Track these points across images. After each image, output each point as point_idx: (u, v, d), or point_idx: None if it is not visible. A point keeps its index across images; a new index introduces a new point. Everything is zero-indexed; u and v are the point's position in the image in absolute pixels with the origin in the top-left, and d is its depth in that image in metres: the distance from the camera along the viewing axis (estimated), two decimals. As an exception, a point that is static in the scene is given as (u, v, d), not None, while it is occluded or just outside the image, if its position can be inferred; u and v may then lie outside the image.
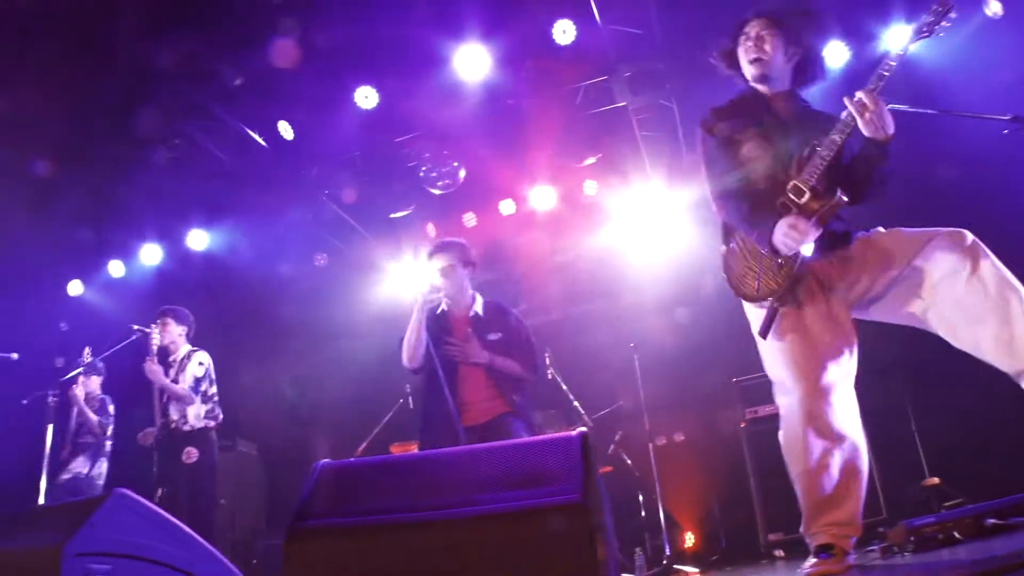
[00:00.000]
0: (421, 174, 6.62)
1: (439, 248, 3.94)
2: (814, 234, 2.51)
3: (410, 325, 3.71)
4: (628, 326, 6.71)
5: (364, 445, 6.38)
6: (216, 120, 6.28)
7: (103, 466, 5.81)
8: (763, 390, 4.91)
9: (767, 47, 2.76)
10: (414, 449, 6.07)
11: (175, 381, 5.15)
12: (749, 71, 2.82)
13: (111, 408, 6.02)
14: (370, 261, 7.78)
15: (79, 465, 5.76)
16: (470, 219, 7.50)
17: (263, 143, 6.48)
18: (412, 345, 3.68)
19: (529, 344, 3.88)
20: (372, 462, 2.33)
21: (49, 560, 2.35)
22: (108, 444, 5.84)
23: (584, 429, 2.34)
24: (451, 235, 7.22)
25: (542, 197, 7.21)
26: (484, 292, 4.23)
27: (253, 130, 6.42)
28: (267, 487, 7.02)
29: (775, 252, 2.56)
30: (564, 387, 5.69)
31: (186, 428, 5.09)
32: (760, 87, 2.82)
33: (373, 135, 6.52)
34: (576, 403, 5.67)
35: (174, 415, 5.10)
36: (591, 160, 6.73)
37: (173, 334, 5.28)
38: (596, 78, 6.21)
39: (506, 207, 7.40)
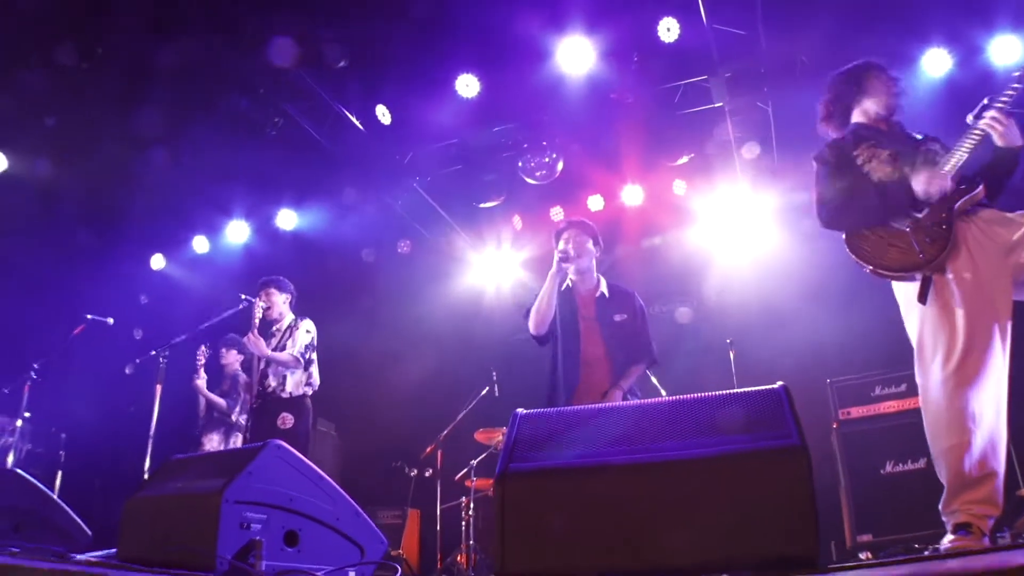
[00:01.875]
0: (519, 164, 6.59)
1: (572, 224, 3.94)
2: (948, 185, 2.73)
3: (542, 291, 3.70)
4: (720, 324, 6.66)
5: (446, 431, 6.38)
6: (317, 101, 6.32)
7: (238, 440, 5.80)
8: (856, 391, 5.06)
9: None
10: (500, 437, 6.09)
11: (282, 348, 5.17)
12: (888, 101, 3.05)
13: (243, 379, 6.12)
14: (453, 250, 7.85)
15: (213, 443, 5.82)
16: (557, 213, 7.49)
17: (360, 126, 6.54)
18: (542, 311, 3.67)
19: (647, 331, 3.87)
20: (570, 411, 2.32)
21: (210, 505, 2.42)
22: (242, 418, 5.85)
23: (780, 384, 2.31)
24: (537, 227, 7.49)
25: (631, 194, 7.20)
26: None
27: (352, 113, 6.46)
28: (340, 471, 7.00)
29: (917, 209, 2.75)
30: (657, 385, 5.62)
31: (284, 395, 5.07)
32: (881, 115, 3.05)
33: (471, 123, 6.56)
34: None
35: (272, 382, 5.10)
36: (684, 159, 6.69)
37: (278, 303, 5.29)
38: (696, 77, 6.21)
39: (594, 203, 7.38)
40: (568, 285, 3.83)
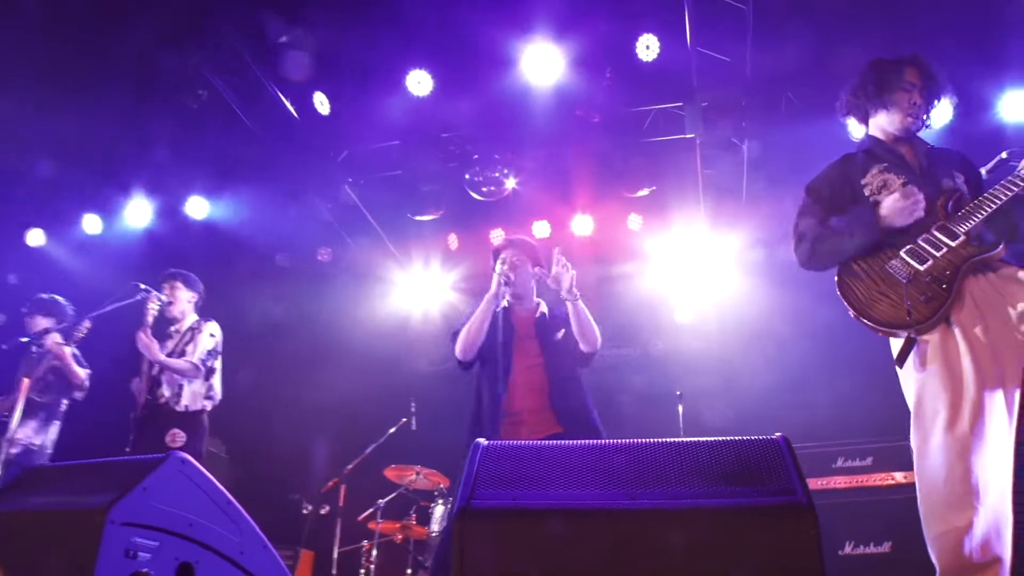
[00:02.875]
0: (467, 177, 6.54)
1: (512, 244, 3.88)
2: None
3: (476, 313, 3.58)
4: (669, 373, 6.69)
5: (353, 465, 6.18)
6: (249, 77, 6.02)
7: (54, 432, 5.19)
8: (816, 461, 4.97)
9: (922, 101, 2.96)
10: (412, 476, 5.99)
11: (180, 353, 4.81)
12: (903, 121, 2.97)
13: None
14: (378, 265, 7.72)
15: (29, 434, 5.14)
16: (498, 236, 7.38)
17: (294, 113, 6.29)
18: (472, 335, 3.56)
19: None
20: (544, 446, 2.19)
21: (90, 525, 2.16)
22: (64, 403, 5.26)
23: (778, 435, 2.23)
24: (474, 249, 7.37)
25: (581, 224, 7.17)
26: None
27: (287, 97, 6.20)
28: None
29: (914, 261, 2.68)
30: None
31: (178, 408, 4.72)
32: (897, 135, 2.99)
33: (418, 125, 6.42)
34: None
35: (165, 391, 4.74)
36: (644, 192, 6.63)
37: (182, 300, 4.95)
38: (670, 103, 6.26)
39: (540, 229, 7.33)
40: (505, 306, 3.73)
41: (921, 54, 3.02)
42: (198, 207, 7.01)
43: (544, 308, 3.83)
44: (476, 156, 6.55)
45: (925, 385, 2.59)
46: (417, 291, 7.99)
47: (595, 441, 2.24)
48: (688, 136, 6.28)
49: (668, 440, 2.16)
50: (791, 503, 1.90)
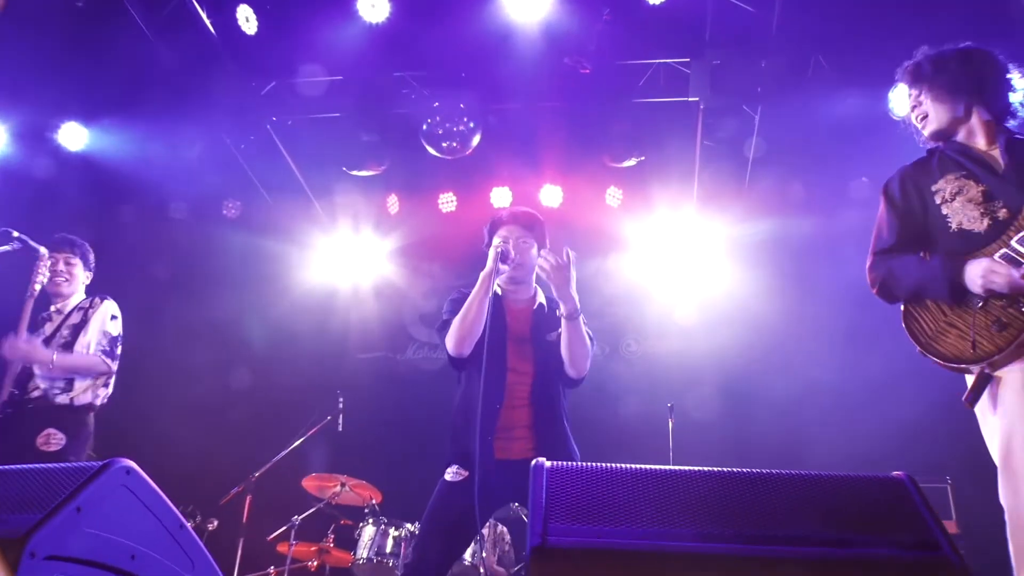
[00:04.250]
0: (424, 127, 6.39)
1: (516, 219, 3.67)
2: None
3: (471, 297, 3.43)
4: (653, 378, 6.75)
5: (262, 471, 5.98)
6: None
7: None
8: None
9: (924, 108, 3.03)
10: (337, 488, 5.85)
11: (66, 344, 4.41)
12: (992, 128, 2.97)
13: None
14: (299, 226, 7.54)
15: None
16: (448, 202, 7.35)
17: (211, 29, 6.00)
18: (470, 323, 3.41)
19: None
20: (615, 470, 2.12)
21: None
22: None
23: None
24: (417, 214, 7.19)
25: (550, 196, 7.12)
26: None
27: (203, 8, 5.92)
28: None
29: (989, 298, 2.65)
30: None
31: (58, 400, 4.30)
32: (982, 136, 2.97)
33: (367, 60, 6.24)
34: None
35: (41, 384, 4.29)
36: (631, 162, 6.57)
37: (77, 280, 4.55)
38: (676, 58, 6.20)
39: (499, 197, 7.25)
40: (495, 292, 3.59)
41: None
42: (73, 136, 6.68)
43: (542, 298, 3.71)
44: (437, 104, 6.38)
45: (1014, 434, 2.54)
46: (346, 261, 7.85)
47: (680, 467, 2.15)
48: (691, 99, 6.26)
49: (768, 471, 2.11)
50: (938, 560, 1.87)
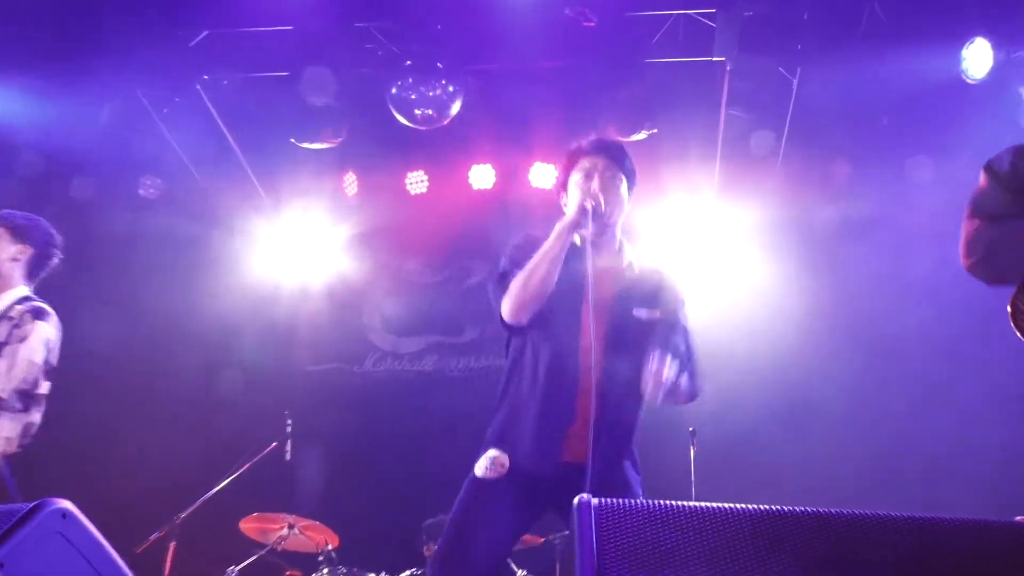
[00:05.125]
0: (393, 91, 6.34)
1: (603, 149, 3.52)
2: None
3: (544, 249, 3.24)
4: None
5: (189, 512, 5.80)
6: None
7: None
8: None
9: None
10: (284, 530, 5.84)
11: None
12: None
13: None
14: (236, 210, 7.46)
15: None
16: (417, 182, 7.33)
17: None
18: (537, 283, 3.23)
19: (689, 344, 3.54)
20: (680, 508, 2.05)
21: None
22: None
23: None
24: (379, 197, 7.04)
25: (541, 175, 7.09)
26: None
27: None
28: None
29: None
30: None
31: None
32: None
33: (323, 6, 6.21)
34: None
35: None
36: (641, 135, 6.49)
37: (5, 255, 4.21)
38: (699, 9, 6.13)
39: (480, 176, 7.24)
40: (575, 244, 3.41)
41: None
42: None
43: (633, 256, 3.55)
44: (409, 62, 6.34)
45: None
46: (293, 253, 7.82)
47: (768, 507, 2.01)
48: (715, 59, 6.20)
49: (866, 513, 2.07)
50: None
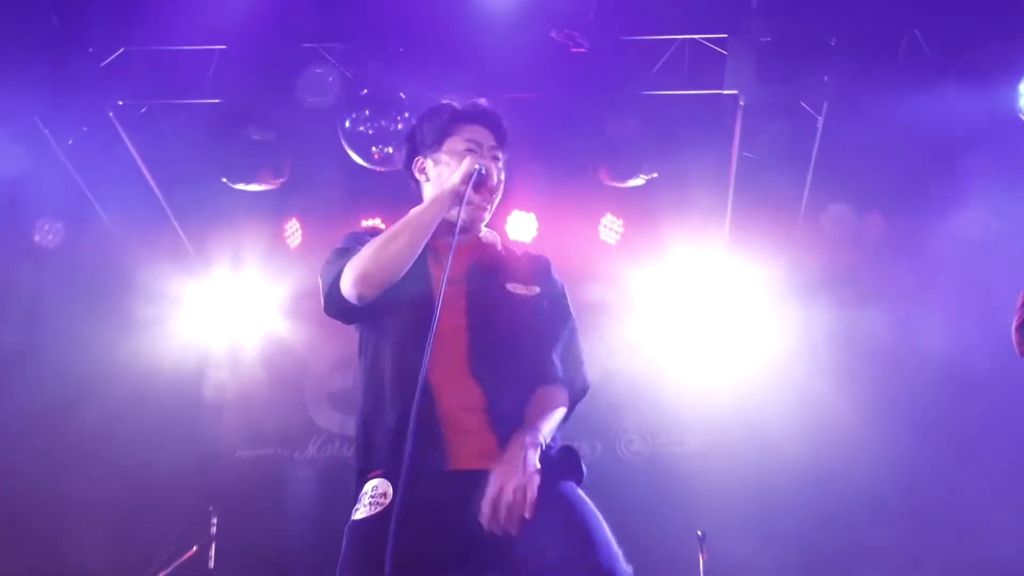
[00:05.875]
0: (346, 124, 6.26)
1: (486, 116, 3.24)
2: None
3: (411, 217, 3.02)
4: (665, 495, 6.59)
5: None
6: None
7: None
8: None
9: None
10: None
11: None
12: None
13: None
14: (154, 263, 7.28)
15: None
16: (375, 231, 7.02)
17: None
18: (394, 255, 2.94)
19: (574, 336, 3.30)
20: None
21: None
22: None
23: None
24: (327, 245, 6.88)
25: (520, 226, 7.04)
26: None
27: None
28: None
29: None
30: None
31: None
32: None
33: (262, 23, 6.10)
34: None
35: None
36: (638, 180, 6.40)
37: None
38: (707, 34, 6.06)
39: None
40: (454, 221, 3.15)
41: None
42: None
43: (495, 238, 3.39)
44: (366, 91, 6.29)
45: None
46: (222, 314, 7.76)
47: None
48: (726, 92, 6.14)
49: None
50: None
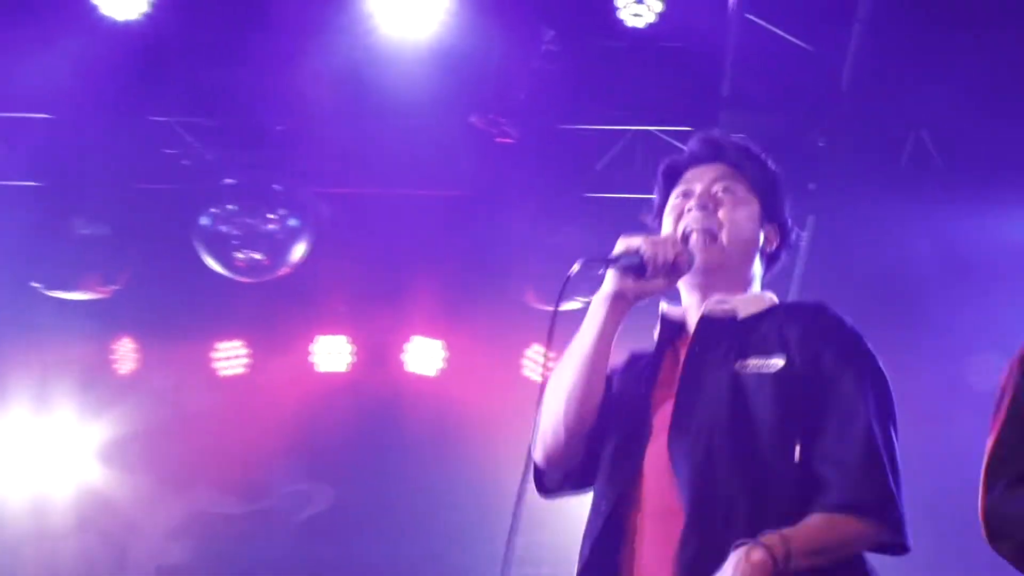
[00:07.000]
0: (204, 221, 6.37)
1: (712, 148, 3.01)
2: None
3: (576, 341, 2.78)
4: None
5: None
6: None
7: None
8: None
9: None
10: None
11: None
12: None
13: None
14: None
15: None
16: (232, 358, 7.24)
17: None
18: (575, 401, 2.71)
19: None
20: None
21: None
22: None
23: None
24: (177, 379, 7.37)
25: (422, 357, 7.09)
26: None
27: None
28: None
29: None
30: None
31: None
32: None
33: (106, 85, 6.17)
34: None
35: None
36: (576, 304, 6.03)
37: None
38: (669, 125, 6.17)
39: (329, 354, 7.26)
40: (664, 311, 2.94)
41: None
42: None
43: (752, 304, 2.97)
44: (231, 180, 6.31)
45: None
46: (26, 461, 7.67)
47: None
48: None
49: None
50: None
